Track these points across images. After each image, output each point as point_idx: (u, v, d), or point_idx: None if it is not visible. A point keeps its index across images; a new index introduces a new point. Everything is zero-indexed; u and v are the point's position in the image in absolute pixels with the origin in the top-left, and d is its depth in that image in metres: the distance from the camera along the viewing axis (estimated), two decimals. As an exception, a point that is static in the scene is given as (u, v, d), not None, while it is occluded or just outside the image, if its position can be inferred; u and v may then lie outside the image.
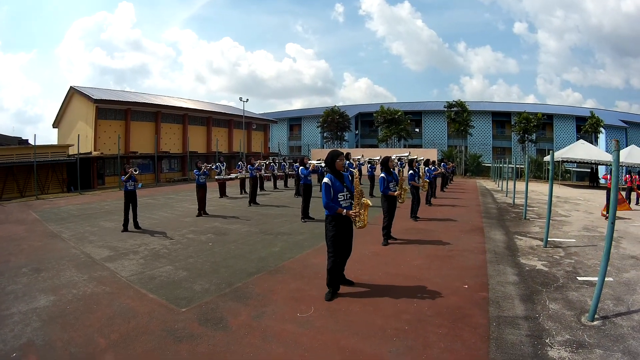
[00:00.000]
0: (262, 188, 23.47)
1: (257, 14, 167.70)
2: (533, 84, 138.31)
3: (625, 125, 56.14)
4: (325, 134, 59.56)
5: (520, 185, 25.05)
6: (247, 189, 20.76)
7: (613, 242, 10.18)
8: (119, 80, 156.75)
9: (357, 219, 5.96)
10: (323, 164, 23.73)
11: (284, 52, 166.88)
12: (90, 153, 33.71)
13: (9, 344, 4.82)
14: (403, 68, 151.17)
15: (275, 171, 26.91)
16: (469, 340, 4.70)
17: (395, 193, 9.68)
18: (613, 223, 5.55)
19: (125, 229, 11.98)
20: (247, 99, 46.32)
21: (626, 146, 36.43)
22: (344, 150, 34.70)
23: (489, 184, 34.35)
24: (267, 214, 14.84)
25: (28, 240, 11.14)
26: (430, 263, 8.04)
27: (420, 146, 58.63)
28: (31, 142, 27.01)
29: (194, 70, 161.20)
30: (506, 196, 22.80)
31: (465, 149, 50.51)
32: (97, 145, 35.08)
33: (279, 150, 62.32)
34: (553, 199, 20.88)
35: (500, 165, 30.10)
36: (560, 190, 27.87)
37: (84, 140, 34.22)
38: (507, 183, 26.12)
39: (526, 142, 49.14)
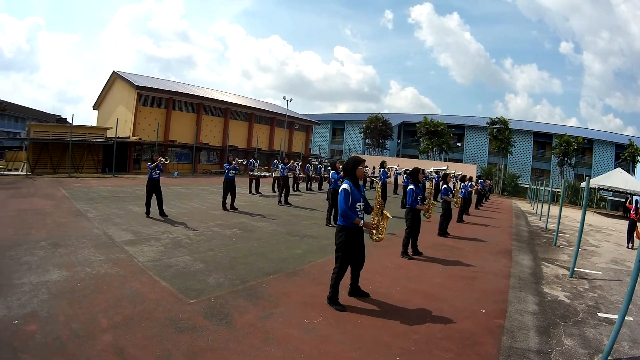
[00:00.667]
0: (296, 189, 23.68)
1: (306, 14, 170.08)
2: (576, 107, 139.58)
3: None
4: (367, 141, 59.57)
5: (555, 210, 24.58)
6: (276, 188, 21.07)
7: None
8: (164, 69, 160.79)
9: (374, 231, 5.76)
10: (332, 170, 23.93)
11: (331, 55, 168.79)
12: (129, 138, 34.38)
13: (14, 311, 4.96)
14: (449, 80, 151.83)
15: (311, 172, 26.94)
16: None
17: (424, 207, 9.50)
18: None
19: (147, 215, 12.25)
20: (292, 99, 46.97)
21: (665, 176, 35.32)
22: (383, 158, 34.77)
23: (524, 205, 33.67)
24: (297, 215, 14.83)
25: (53, 216, 11.44)
26: (452, 283, 7.84)
27: (460, 161, 58.27)
28: (70, 121, 27.43)
29: (241, 66, 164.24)
30: (539, 220, 22.35)
31: (504, 168, 49.69)
32: (136, 130, 35.76)
33: (319, 152, 62.22)
34: (585, 227, 20.47)
35: (537, 187, 29.16)
36: (593, 218, 27.19)
37: (122, 124, 34.93)
38: (542, 206, 25.49)
39: (565, 166, 48.19)
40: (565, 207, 39.17)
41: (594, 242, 15.76)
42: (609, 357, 5.18)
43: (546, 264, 10.63)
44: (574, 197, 42.67)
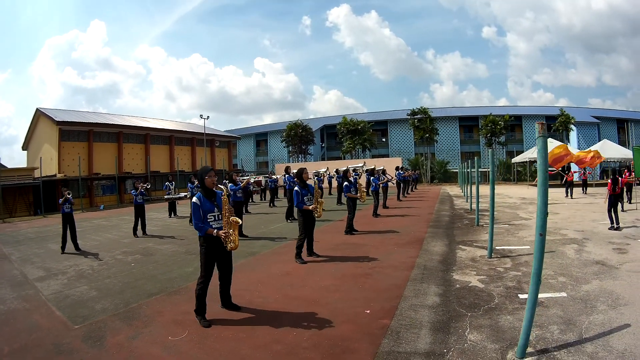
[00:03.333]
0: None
1: (225, 29, 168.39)
2: (504, 88, 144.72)
3: (597, 121, 57.14)
4: (289, 148, 59.90)
5: (485, 190, 25.08)
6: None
7: (576, 245, 9.92)
8: (91, 100, 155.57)
9: (227, 239, 5.69)
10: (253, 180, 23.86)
11: (252, 67, 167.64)
12: (55, 175, 33.53)
13: None
14: (372, 78, 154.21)
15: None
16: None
17: (311, 207, 9.25)
18: (542, 235, 4.35)
19: (63, 250, 12.24)
20: (208, 116, 46.38)
21: (599, 141, 37.56)
22: (305, 165, 34.96)
23: (454, 190, 34.58)
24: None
25: None
26: (341, 284, 7.42)
27: (387, 155, 59.35)
28: (5, 164, 26.97)
29: (164, 88, 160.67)
30: (466, 202, 22.70)
31: (432, 156, 51.07)
32: (62, 167, 34.91)
33: (242, 166, 62.35)
34: (517, 201, 22.87)
35: (463, 170, 30.01)
36: (528, 191, 28.17)
37: (49, 162, 34.16)
38: (470, 188, 26.09)
39: (494, 145, 49.50)
40: (499, 185, 40.82)
41: (525, 215, 16.03)
42: (530, 349, 4.50)
43: (463, 247, 10.42)
44: (507, 174, 44.67)
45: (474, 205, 19.18)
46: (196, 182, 15.01)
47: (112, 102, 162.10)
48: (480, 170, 48.39)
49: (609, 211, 12.39)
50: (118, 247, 12.67)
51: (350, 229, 12.76)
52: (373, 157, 54.85)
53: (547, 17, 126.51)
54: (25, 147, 45.20)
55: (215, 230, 5.66)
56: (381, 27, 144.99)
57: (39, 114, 39.71)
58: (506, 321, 5.29)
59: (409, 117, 53.42)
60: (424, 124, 51.52)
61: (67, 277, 9.25)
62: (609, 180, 12.85)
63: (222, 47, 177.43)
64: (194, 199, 5.72)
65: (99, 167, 37.40)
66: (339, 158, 57.67)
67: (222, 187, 6.14)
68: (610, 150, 31.20)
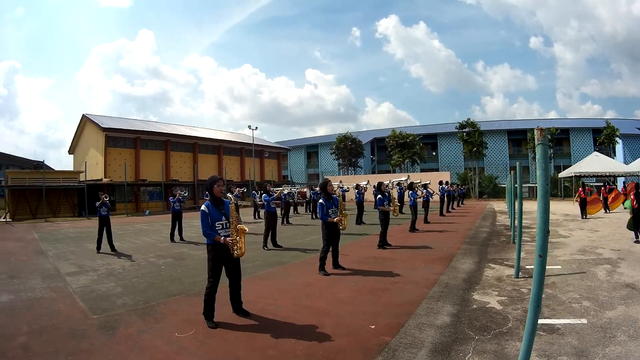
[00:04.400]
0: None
1: (274, 40, 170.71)
2: (553, 100, 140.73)
3: None
4: (339, 161, 60.34)
5: (531, 205, 24.65)
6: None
7: (609, 265, 9.36)
8: (141, 107, 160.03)
9: (234, 246, 5.87)
10: (286, 191, 24.08)
11: (304, 79, 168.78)
12: (101, 180, 34.81)
13: None
14: (424, 91, 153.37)
15: (257, 199, 26.84)
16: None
17: (335, 219, 9.21)
18: (541, 256, 3.95)
19: (98, 249, 13.03)
20: (257, 127, 47.65)
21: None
22: (338, 178, 35.08)
23: (500, 205, 33.60)
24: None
25: (17, 255, 13.08)
26: (357, 297, 7.36)
27: (437, 169, 58.42)
28: (53, 166, 28.25)
29: (215, 98, 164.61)
30: (509, 218, 21.37)
31: (481, 170, 50.00)
32: (107, 172, 36.16)
33: (291, 178, 63.06)
34: (560, 217, 21.83)
35: (504, 186, 29.51)
36: (573, 208, 26.69)
37: (95, 167, 35.70)
38: (512, 203, 25.34)
39: None
40: (553, 201, 39.43)
41: (564, 233, 15.39)
42: None
43: (493, 265, 10.03)
44: (554, 189, 42.68)
45: (508, 221, 19.15)
46: (179, 194, 15.87)
47: (163, 110, 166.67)
48: (528, 185, 47.29)
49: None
50: (153, 251, 13.23)
51: (383, 243, 12.62)
52: (422, 170, 54.60)
53: (591, 25, 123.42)
54: (71, 151, 47.44)
55: (223, 237, 5.84)
56: (430, 38, 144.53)
57: (85, 120, 41.61)
58: (513, 348, 4.95)
59: (457, 130, 52.67)
60: (472, 138, 50.62)
61: (97, 274, 9.85)
62: (633, 195, 12.65)
63: (273, 58, 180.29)
64: (203, 207, 5.94)
65: (145, 173, 38.73)
66: (388, 171, 57.51)
67: (230, 196, 6.30)
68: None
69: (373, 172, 65.34)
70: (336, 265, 9.52)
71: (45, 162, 41.53)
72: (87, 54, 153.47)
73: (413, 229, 16.55)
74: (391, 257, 11.07)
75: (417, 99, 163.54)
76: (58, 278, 9.49)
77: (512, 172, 14.51)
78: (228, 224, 6.00)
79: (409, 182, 23.60)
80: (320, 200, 9.32)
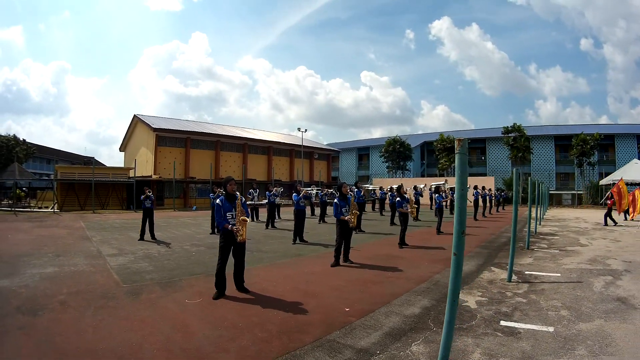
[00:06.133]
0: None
1: (328, 42, 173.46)
2: (604, 104, 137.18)
3: None
4: (388, 164, 60.57)
5: (570, 212, 24.71)
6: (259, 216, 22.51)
7: (610, 277, 9.18)
8: (196, 107, 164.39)
9: (237, 233, 7.14)
10: (313, 191, 25.16)
11: (360, 81, 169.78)
12: (150, 176, 37.16)
13: (15, 283, 8.11)
14: (478, 94, 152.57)
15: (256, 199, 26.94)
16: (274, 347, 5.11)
17: (347, 217, 10.18)
18: (456, 254, 4.19)
19: (141, 237, 14.59)
20: (306, 130, 48.48)
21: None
22: (402, 181, 35.28)
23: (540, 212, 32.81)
24: (271, 236, 16.45)
25: (64, 239, 14.83)
26: (348, 286, 8.14)
27: (485, 174, 57.82)
28: (104, 162, 30.51)
29: (270, 99, 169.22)
30: (539, 224, 21.85)
31: (526, 176, 48.40)
32: (157, 169, 38.54)
33: (339, 179, 63.84)
34: (589, 226, 21.90)
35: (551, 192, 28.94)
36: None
37: (145, 164, 38.24)
38: (539, 210, 24.59)
39: (584, 166, 47.26)
40: (588, 208, 38.89)
41: (584, 242, 15.26)
42: None
43: (494, 269, 10.27)
44: (597, 197, 41.53)
45: (543, 229, 19.40)
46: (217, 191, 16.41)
47: (218, 110, 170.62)
48: (572, 192, 46.41)
49: None
50: (190, 240, 14.61)
51: (402, 242, 13.34)
52: (470, 175, 54.43)
53: (637, 26, 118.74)
54: (122, 148, 50.54)
55: (230, 225, 7.19)
56: (483, 40, 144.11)
57: (137, 120, 44.30)
58: (463, 343, 5.30)
59: (503, 135, 52.31)
60: (518, 143, 50.05)
61: (135, 256, 11.34)
62: None
63: (328, 59, 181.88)
64: (217, 201, 7.34)
65: (195, 171, 40.87)
66: (435, 175, 57.68)
67: (238, 193, 7.61)
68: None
69: (422, 176, 65.39)
70: (346, 259, 10.46)
71: (97, 158, 44.71)
72: (139, 56, 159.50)
73: (439, 231, 16.98)
74: (401, 256, 11.72)
75: (472, 101, 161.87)
76: (99, 257, 11.06)
77: (529, 179, 14.88)
78: (235, 215, 7.30)
79: (447, 186, 24.17)
80: (335, 200, 10.43)
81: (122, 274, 8.95)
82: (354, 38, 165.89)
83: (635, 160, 34.00)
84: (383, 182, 39.45)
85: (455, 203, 4.40)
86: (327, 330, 5.63)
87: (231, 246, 7.35)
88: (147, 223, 14.65)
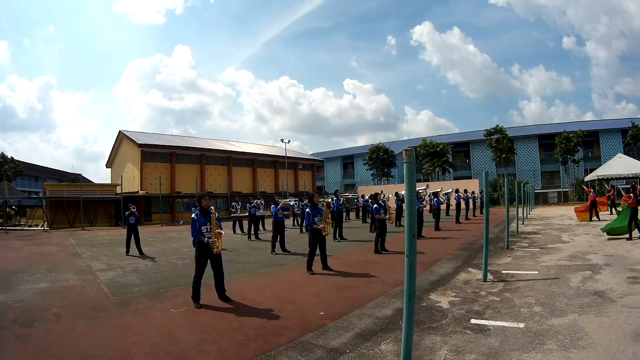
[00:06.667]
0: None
1: (310, 51, 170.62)
2: (589, 101, 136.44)
3: None
4: (372, 171, 61.26)
5: (555, 210, 25.66)
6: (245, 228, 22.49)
7: (589, 272, 9.23)
8: (180, 121, 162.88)
9: (213, 245, 7.58)
10: (291, 202, 25.31)
11: (343, 89, 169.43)
12: (137, 192, 37.28)
13: (10, 298, 8.64)
14: (462, 97, 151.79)
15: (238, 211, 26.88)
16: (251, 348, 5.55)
17: (320, 226, 10.55)
18: (409, 256, 4.49)
19: (127, 252, 15.12)
20: (289, 140, 49.74)
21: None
22: (384, 187, 35.66)
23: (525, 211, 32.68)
24: (254, 247, 16.88)
25: (55, 256, 15.45)
26: (325, 292, 8.55)
27: (469, 177, 58.48)
28: (91, 178, 31.02)
29: (254, 111, 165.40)
30: (522, 223, 22.23)
31: (510, 177, 49.58)
32: (144, 185, 38.69)
33: (325, 189, 64.54)
34: (572, 222, 22.11)
35: (536, 192, 29.06)
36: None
37: (131, 180, 38.31)
38: (524, 209, 25.79)
39: (569, 163, 48.13)
40: (573, 205, 37.76)
41: (566, 239, 15.44)
42: None
43: (471, 269, 10.48)
44: (582, 194, 41.44)
45: (525, 228, 19.69)
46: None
47: (202, 123, 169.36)
48: (558, 190, 46.95)
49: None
50: (176, 254, 15.08)
51: (379, 248, 13.67)
52: (455, 178, 54.84)
53: (620, 20, 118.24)
54: (109, 164, 50.63)
55: (206, 238, 7.63)
56: (465, 43, 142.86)
57: (122, 136, 44.58)
58: (431, 341, 5.51)
59: (486, 137, 53.03)
60: (500, 144, 50.88)
61: (123, 270, 11.83)
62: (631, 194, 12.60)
63: (311, 69, 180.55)
64: (193, 215, 7.80)
65: (181, 186, 41.12)
66: (420, 180, 57.95)
67: (212, 207, 8.04)
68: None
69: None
70: (325, 266, 10.77)
71: (84, 175, 44.86)
72: (124, 70, 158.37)
73: (420, 235, 16.91)
74: (379, 261, 12.03)
75: (456, 105, 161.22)
76: (89, 273, 11.60)
77: (503, 178, 15.26)
78: (210, 228, 7.75)
79: (429, 191, 24.66)
80: (307, 210, 10.74)
81: (111, 287, 9.46)
82: (336, 46, 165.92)
83: (620, 154, 33.89)
84: (367, 190, 39.65)
85: (405, 208, 4.70)
86: (302, 332, 5.99)
87: (207, 258, 7.77)
88: (133, 238, 15.06)
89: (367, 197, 28.41)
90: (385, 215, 14.16)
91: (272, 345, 5.52)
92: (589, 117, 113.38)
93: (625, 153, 39.75)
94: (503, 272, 9.89)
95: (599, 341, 5.24)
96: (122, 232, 25.47)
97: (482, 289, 8.35)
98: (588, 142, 55.01)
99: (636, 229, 13.32)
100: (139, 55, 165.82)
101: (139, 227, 15.76)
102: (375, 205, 14.13)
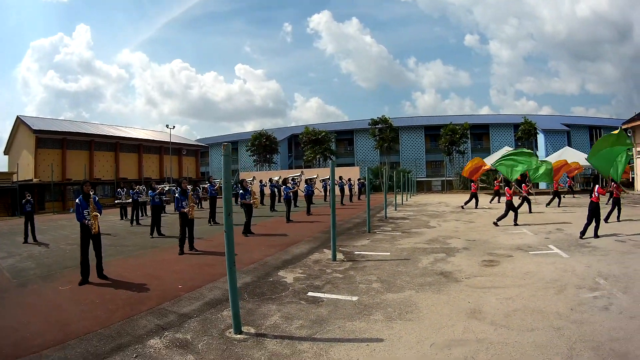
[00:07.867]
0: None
1: (207, 36, 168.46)
2: (486, 96, 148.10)
3: (567, 129, 59.63)
4: (255, 157, 62.22)
5: (436, 198, 29.24)
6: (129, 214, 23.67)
7: (443, 254, 10.16)
8: (75, 104, 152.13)
9: (91, 226, 8.80)
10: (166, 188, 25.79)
11: (234, 74, 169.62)
12: (31, 180, 36.61)
13: None
14: (354, 86, 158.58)
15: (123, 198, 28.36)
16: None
17: (186, 210, 11.98)
18: (226, 232, 5.81)
19: (25, 241, 16.25)
20: (174, 126, 49.49)
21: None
22: (267, 173, 37.10)
23: (404, 198, 35.11)
24: (134, 232, 18.66)
25: None
26: (187, 269, 9.98)
27: (353, 164, 60.82)
28: None
29: (146, 94, 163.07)
30: (395, 210, 24.32)
31: (393, 165, 53.63)
32: (38, 172, 37.98)
33: (209, 174, 64.58)
34: (447, 209, 23.90)
35: (419, 179, 31.73)
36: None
37: (26, 168, 37.42)
38: (407, 196, 28.43)
39: (453, 154, 51.66)
40: (457, 193, 42.98)
41: (433, 224, 16.72)
42: (251, 329, 5.67)
43: (326, 250, 11.27)
44: (469, 182, 44.46)
45: (396, 214, 21.56)
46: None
47: (95, 106, 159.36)
48: (442, 179, 50.28)
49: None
50: (66, 240, 16.38)
51: (246, 231, 14.99)
52: (339, 165, 57.25)
53: (531, 24, 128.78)
54: (6, 151, 48.44)
55: (86, 220, 8.84)
56: (362, 34, 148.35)
57: (19, 122, 43.04)
58: (267, 309, 6.58)
59: (370, 126, 55.78)
60: (384, 134, 53.90)
61: (21, 257, 13.12)
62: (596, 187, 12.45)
63: (205, 53, 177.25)
64: (77, 200, 8.97)
65: (72, 173, 40.65)
66: (301, 166, 59.49)
67: (92, 192, 9.31)
68: (571, 157, 32.23)
69: (290, 168, 67.24)
70: (191, 247, 12.14)
71: (-15, 162, 43.10)
72: (26, 49, 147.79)
73: (288, 219, 18.93)
74: (243, 243, 12.97)
75: (347, 93, 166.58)
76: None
77: (367, 168, 18.58)
78: (89, 212, 8.89)
79: (303, 177, 26.88)
80: (176, 195, 12.16)
81: (12, 272, 10.73)
82: (233, 31, 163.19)
83: (507, 147, 37.29)
84: (249, 176, 41.08)
85: (222, 192, 5.83)
86: (160, 302, 7.28)
87: (89, 239, 8.88)
88: (29, 226, 16.10)
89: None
90: (250, 200, 15.88)
91: (136, 312, 6.80)
92: (484, 111, 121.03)
93: (516, 147, 43.16)
94: (356, 253, 10.91)
95: (428, 315, 5.83)
96: (20, 221, 25.36)
97: (329, 267, 9.33)
98: (478, 135, 61.81)
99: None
100: (42, 33, 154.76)
101: (34, 216, 16.62)
102: (241, 191, 15.84)
